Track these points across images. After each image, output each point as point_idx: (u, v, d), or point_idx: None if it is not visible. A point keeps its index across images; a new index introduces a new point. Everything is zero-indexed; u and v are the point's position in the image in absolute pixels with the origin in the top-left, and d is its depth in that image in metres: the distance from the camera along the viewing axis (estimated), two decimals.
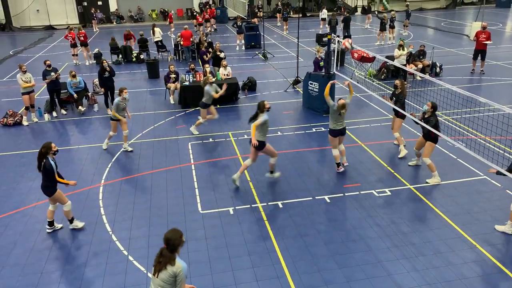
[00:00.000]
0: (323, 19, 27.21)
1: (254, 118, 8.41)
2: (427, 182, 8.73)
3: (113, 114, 10.26)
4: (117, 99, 10.18)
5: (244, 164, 8.76)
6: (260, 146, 8.49)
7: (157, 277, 4.47)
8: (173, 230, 4.59)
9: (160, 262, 4.46)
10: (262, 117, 8.30)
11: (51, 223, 7.47)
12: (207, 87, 11.15)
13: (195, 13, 29.34)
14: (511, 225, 7.08)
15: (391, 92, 10.57)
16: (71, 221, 7.52)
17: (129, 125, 12.42)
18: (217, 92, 11.23)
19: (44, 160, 6.99)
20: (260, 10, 31.05)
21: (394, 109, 9.88)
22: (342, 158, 9.37)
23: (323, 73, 12.55)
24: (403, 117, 9.78)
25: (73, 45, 20.08)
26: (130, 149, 10.65)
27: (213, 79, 11.42)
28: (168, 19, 28.39)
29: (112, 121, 10.47)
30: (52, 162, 7.04)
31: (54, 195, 7.19)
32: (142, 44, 20.76)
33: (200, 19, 27.48)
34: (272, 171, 9.00)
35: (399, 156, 9.87)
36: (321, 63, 13.43)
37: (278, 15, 30.27)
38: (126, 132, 10.50)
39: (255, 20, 26.62)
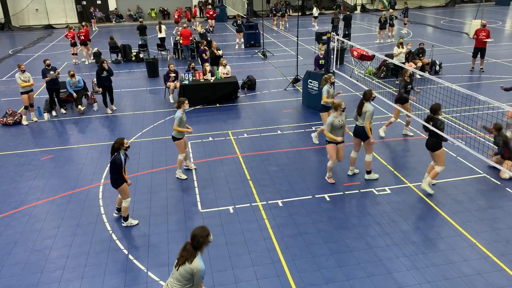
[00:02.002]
0: (315, 17, 28.55)
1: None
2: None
3: (177, 130, 8.76)
4: (179, 113, 8.71)
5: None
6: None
7: (177, 270, 4.50)
8: (202, 227, 4.60)
9: (183, 257, 4.48)
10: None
11: (125, 218, 7.59)
12: (326, 87, 10.01)
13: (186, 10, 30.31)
14: None
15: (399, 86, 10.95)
16: (125, 219, 7.57)
17: (129, 123, 12.45)
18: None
19: (115, 154, 7.14)
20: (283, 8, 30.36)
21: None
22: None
23: (323, 71, 12.54)
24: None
25: (73, 44, 20.10)
26: (193, 166, 9.63)
27: (333, 79, 10.21)
28: (192, 13, 29.17)
29: (177, 141, 8.92)
30: (123, 157, 7.20)
31: (121, 187, 7.32)
32: (142, 31, 21.03)
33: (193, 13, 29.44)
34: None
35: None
36: (321, 61, 13.38)
37: (282, 18, 30.44)
38: (187, 149, 9.43)
39: (275, 19, 27.70)
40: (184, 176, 9.19)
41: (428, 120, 8.07)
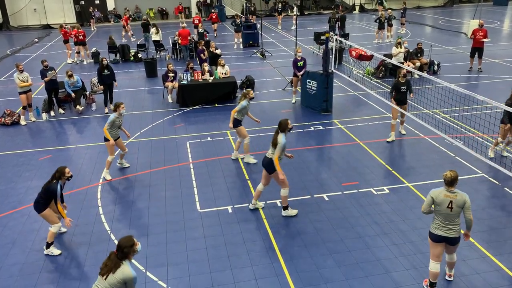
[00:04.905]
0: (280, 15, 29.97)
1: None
2: None
3: (105, 133, 8.88)
4: (112, 115, 8.86)
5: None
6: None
7: (105, 279, 4.51)
8: (127, 237, 4.61)
9: (106, 266, 4.52)
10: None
11: (48, 245, 6.91)
12: (245, 102, 9.39)
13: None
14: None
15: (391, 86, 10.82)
16: (48, 245, 6.88)
17: (128, 123, 12.42)
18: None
19: (53, 182, 6.69)
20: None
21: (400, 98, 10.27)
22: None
23: (321, 71, 12.54)
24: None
25: (75, 43, 20.16)
26: (127, 165, 9.73)
27: (252, 95, 9.54)
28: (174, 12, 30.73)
29: (106, 142, 9.01)
30: (59, 188, 6.70)
31: (43, 213, 6.75)
32: (145, 28, 21.58)
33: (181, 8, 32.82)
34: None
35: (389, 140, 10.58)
36: (299, 64, 13.27)
37: (279, 17, 30.32)
38: (126, 151, 9.52)
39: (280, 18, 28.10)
40: (109, 177, 9.18)
41: None
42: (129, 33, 25.61)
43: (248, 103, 9.42)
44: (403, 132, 10.99)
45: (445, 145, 10.23)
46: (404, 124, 11.02)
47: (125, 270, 4.51)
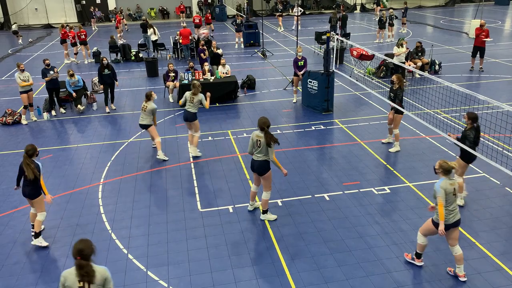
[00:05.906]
0: (279, 16, 29.34)
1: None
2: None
3: (154, 120, 9.92)
4: (154, 104, 9.84)
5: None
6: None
7: None
8: (83, 240, 4.29)
9: (87, 273, 4.17)
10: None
11: (37, 235, 7.01)
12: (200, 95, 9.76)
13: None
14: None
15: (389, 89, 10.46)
16: (36, 235, 6.99)
17: (129, 122, 12.45)
18: None
19: (32, 163, 6.68)
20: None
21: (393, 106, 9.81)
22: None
23: (322, 71, 12.53)
24: (402, 113, 9.73)
25: (73, 44, 20.13)
26: (166, 158, 10.03)
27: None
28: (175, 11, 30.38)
29: (151, 128, 9.90)
30: (40, 163, 6.81)
31: (39, 198, 6.84)
32: (144, 29, 21.45)
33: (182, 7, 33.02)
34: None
35: (392, 150, 10.04)
36: (300, 63, 13.25)
37: (279, 18, 29.90)
38: (157, 140, 10.04)
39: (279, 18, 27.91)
40: (166, 158, 10.00)
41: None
42: (119, 35, 25.11)
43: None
44: (384, 140, 10.47)
45: (446, 145, 10.23)
46: (401, 125, 10.26)
47: (98, 268, 4.28)
